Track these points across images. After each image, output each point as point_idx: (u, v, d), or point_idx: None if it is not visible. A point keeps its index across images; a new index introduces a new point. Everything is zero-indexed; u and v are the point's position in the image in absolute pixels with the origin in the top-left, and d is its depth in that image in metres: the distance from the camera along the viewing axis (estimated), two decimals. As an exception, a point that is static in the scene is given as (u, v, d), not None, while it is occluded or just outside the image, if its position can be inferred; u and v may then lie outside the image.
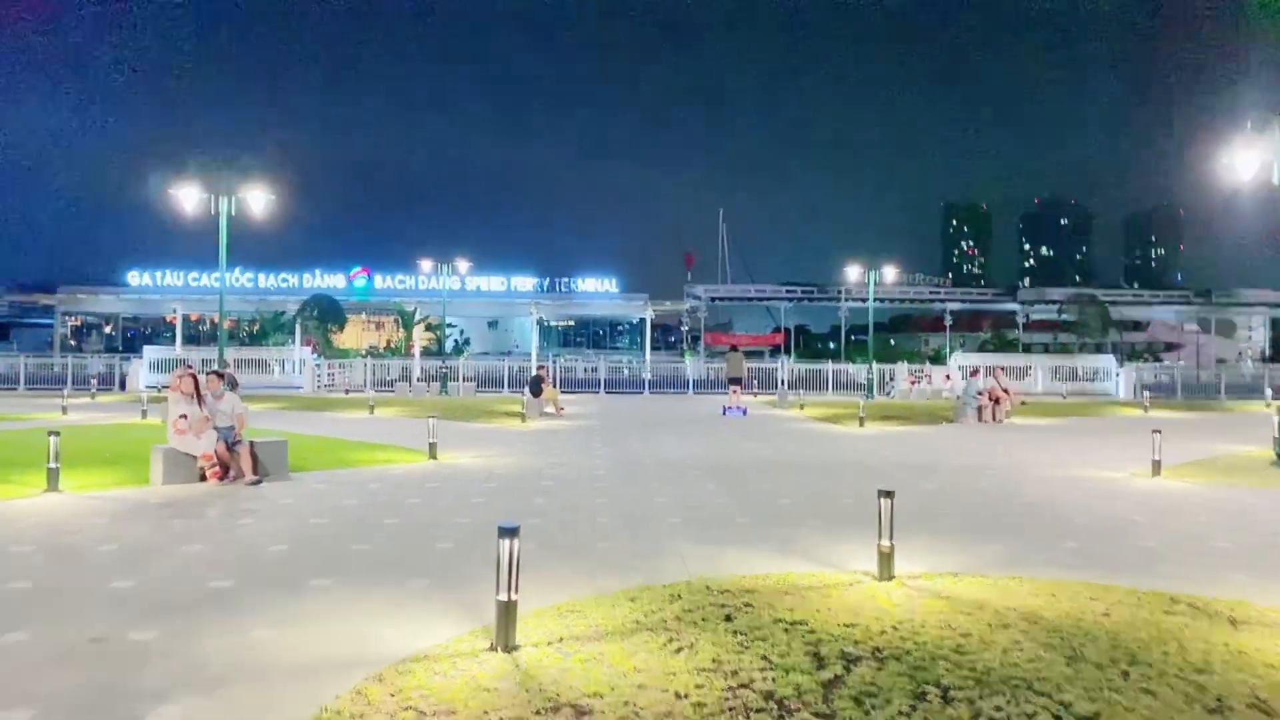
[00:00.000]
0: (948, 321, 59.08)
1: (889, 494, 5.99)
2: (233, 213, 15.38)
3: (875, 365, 30.13)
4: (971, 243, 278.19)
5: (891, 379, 30.88)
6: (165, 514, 8.27)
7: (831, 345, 78.46)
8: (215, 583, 5.83)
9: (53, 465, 9.26)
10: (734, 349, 27.69)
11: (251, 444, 10.33)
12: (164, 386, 30.29)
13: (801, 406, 23.31)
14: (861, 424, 18.11)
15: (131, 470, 10.57)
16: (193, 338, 56.18)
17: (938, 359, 46.86)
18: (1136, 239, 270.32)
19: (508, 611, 4.55)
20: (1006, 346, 47.17)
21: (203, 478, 10.03)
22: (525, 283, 48.91)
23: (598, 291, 49.18)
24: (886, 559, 5.97)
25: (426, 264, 30.58)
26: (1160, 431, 11.28)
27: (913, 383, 30.21)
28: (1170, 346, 61.35)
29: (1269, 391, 28.58)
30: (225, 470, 10.15)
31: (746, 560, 6.55)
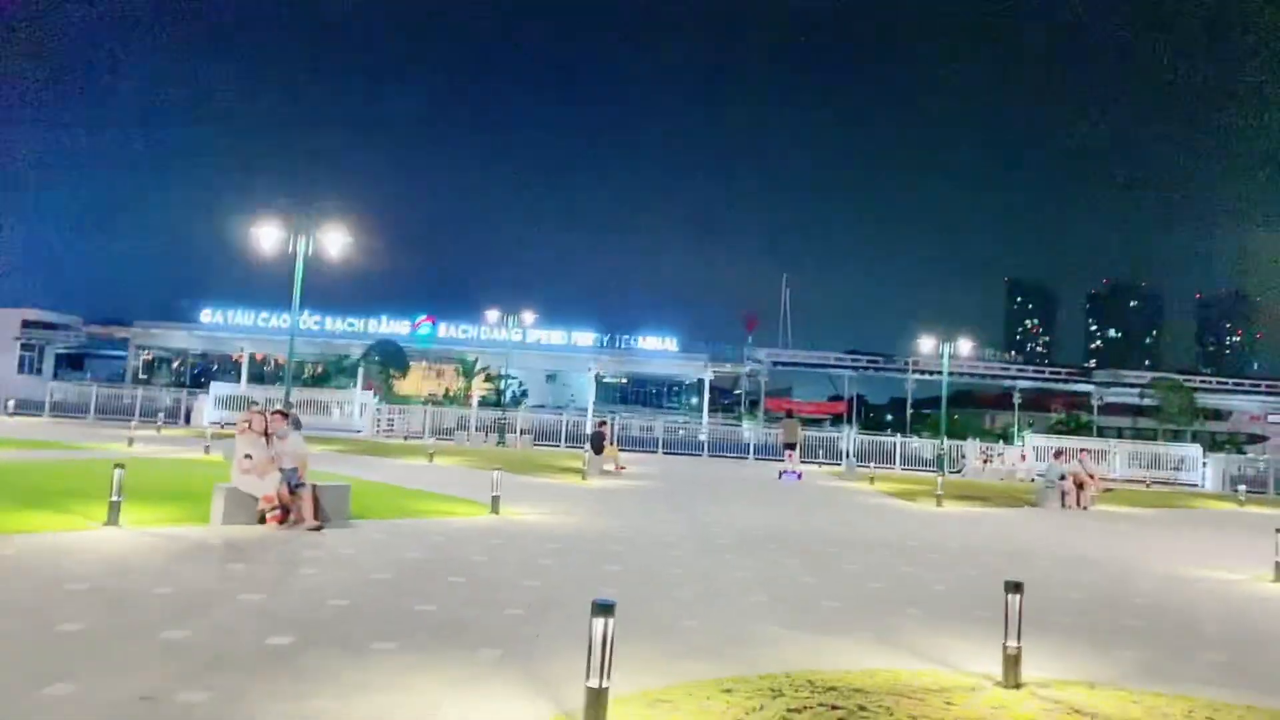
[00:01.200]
0: (1016, 400, 57.26)
1: (1017, 587, 5.33)
2: (309, 253, 15.42)
3: (947, 441, 29.04)
4: (1036, 321, 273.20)
5: (963, 456, 29.72)
6: (224, 557, 7.93)
7: (889, 417, 76.82)
8: (273, 639, 5.39)
9: (115, 499, 9.03)
10: (790, 414, 28.20)
11: (314, 488, 10.02)
12: (228, 423, 30.70)
13: (872, 480, 22.41)
14: (939, 503, 17.21)
15: (192, 507, 10.32)
16: (258, 376, 57.18)
17: (1005, 437, 45.31)
18: (1210, 325, 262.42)
19: (598, 701, 4.02)
20: (1081, 429, 45.35)
21: (262, 520, 9.71)
22: (585, 338, 48.86)
23: (657, 350, 48.86)
24: (1013, 663, 5.29)
25: (492, 314, 30.67)
26: (1284, 531, 10.28)
27: (985, 461, 29.03)
28: (1254, 438, 58.52)
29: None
30: (286, 513, 9.82)
31: (846, 651, 5.90)
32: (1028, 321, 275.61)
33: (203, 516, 9.76)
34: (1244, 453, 50.67)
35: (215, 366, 64.39)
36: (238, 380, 47.84)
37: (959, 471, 28.36)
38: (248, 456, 9.88)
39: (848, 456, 26.88)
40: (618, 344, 49.04)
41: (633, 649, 5.62)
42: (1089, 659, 6.11)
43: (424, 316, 50.23)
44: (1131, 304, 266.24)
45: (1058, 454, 19.41)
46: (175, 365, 64.65)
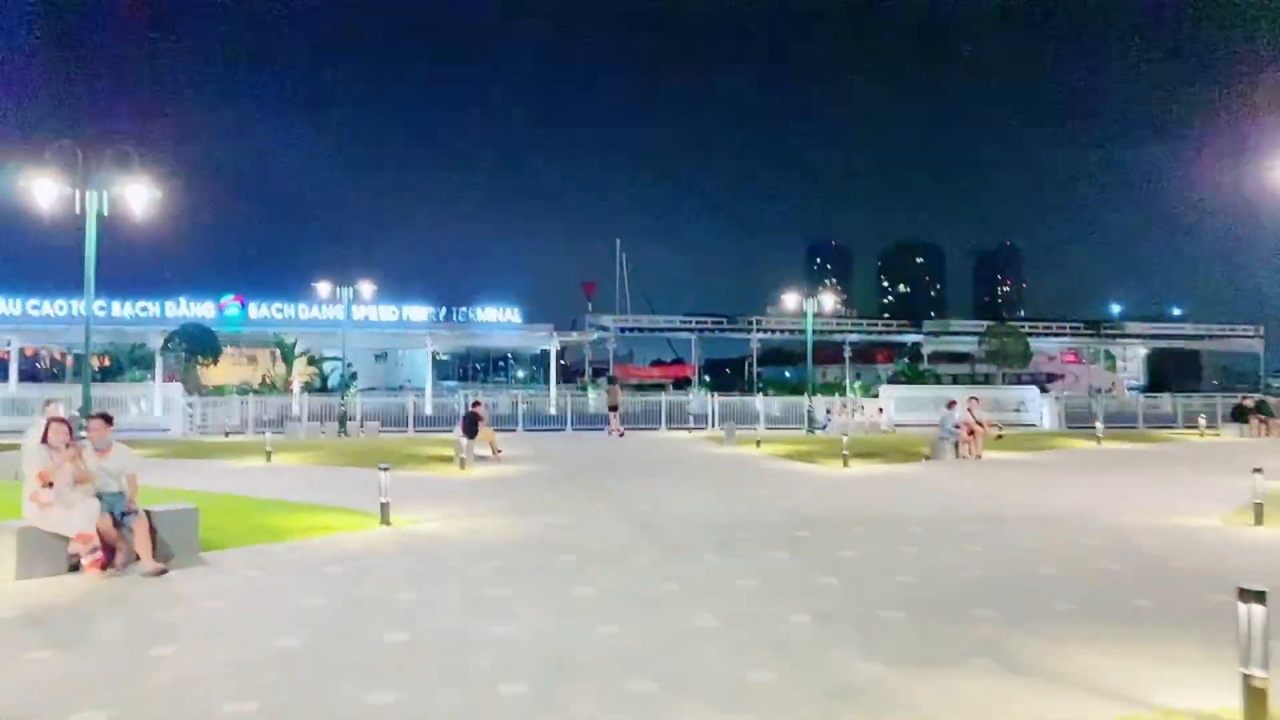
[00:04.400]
0: (847, 354, 59.07)
1: (1258, 596, 3.89)
2: (105, 212, 12.11)
3: (818, 399, 28.68)
4: (834, 280, 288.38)
5: (828, 413, 29.47)
6: (25, 639, 5.31)
7: (727, 372, 77.57)
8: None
9: None
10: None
11: (149, 515, 7.37)
12: (2, 433, 25.50)
13: (758, 444, 21.36)
14: (846, 463, 16.26)
15: (-36, 558, 7.39)
16: (30, 375, 49.59)
17: (839, 390, 46.28)
18: (985, 276, 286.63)
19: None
20: (917, 378, 47.07)
21: (76, 567, 7.00)
22: (419, 312, 45.34)
23: (499, 322, 46.16)
24: (1258, 700, 3.87)
25: (323, 286, 27.19)
26: (1261, 470, 9.78)
27: (849, 415, 28.89)
28: (1051, 377, 63.40)
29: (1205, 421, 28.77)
30: (111, 555, 7.15)
31: (979, 700, 4.32)
32: (826, 280, 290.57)
33: (-16, 571, 6.92)
34: (1046, 391, 54.73)
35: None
36: (4, 379, 40.90)
37: (824, 428, 28.06)
38: (48, 485, 7.09)
39: (729, 422, 25.92)
40: (455, 317, 45.92)
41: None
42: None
43: (232, 296, 44.81)
44: (918, 260, 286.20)
45: (951, 403, 19.04)
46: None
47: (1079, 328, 69.62)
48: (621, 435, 25.62)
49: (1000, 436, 20.79)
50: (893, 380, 44.81)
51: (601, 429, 28.57)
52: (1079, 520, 9.86)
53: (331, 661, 4.86)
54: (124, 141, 12.06)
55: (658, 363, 77.86)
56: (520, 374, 63.12)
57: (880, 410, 29.97)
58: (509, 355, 60.06)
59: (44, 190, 11.74)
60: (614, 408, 27.04)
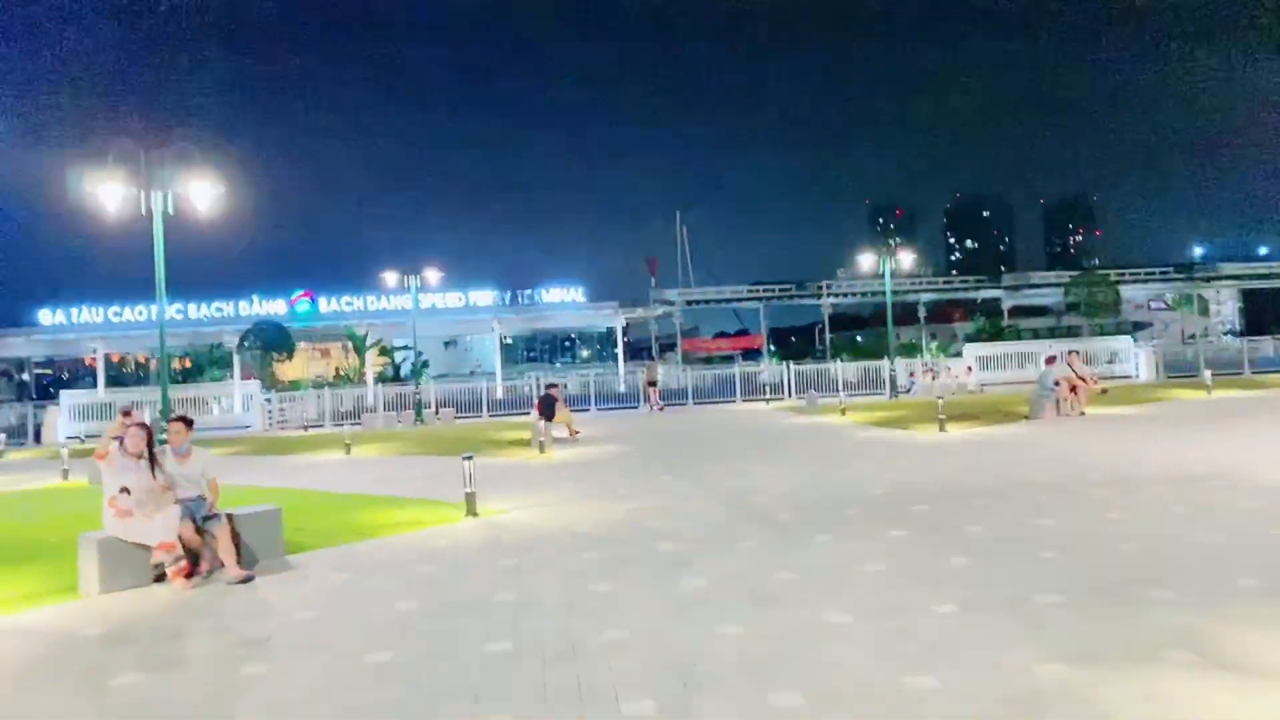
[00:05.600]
0: (922, 314, 57.09)
1: None
2: (169, 210, 11.93)
3: (897, 362, 27.65)
4: (898, 239, 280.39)
5: (911, 375, 28.40)
6: (114, 662, 4.98)
7: (793, 342, 76.05)
8: None
9: (-78, 582, 5.90)
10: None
11: (231, 519, 7.07)
12: (90, 437, 26.16)
13: (843, 411, 20.55)
14: (943, 427, 15.39)
15: (53, 570, 7.22)
16: (116, 379, 51.18)
17: (916, 351, 44.84)
18: (1056, 227, 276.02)
19: None
20: (999, 335, 45.31)
21: (161, 577, 6.73)
22: (485, 297, 45.30)
23: (564, 302, 45.85)
24: None
25: (390, 276, 27.20)
26: None
27: (932, 377, 27.79)
28: (1139, 325, 60.55)
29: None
30: (195, 563, 6.86)
31: (1193, 705, 3.62)
32: (891, 241, 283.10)
33: (69, 585, 6.70)
34: (1136, 340, 52.23)
35: (66, 374, 57.54)
36: (94, 386, 42.27)
37: (909, 391, 27.02)
38: (125, 491, 6.82)
39: (809, 390, 25.16)
40: (520, 300, 45.77)
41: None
42: None
43: (301, 292, 45.44)
44: (983, 214, 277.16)
45: (1050, 359, 17.96)
46: (24, 377, 57.44)
47: (1168, 272, 65.70)
48: (661, 410, 25.88)
49: (1105, 391, 19.56)
50: (973, 338, 43.17)
51: (682, 403, 28.15)
52: (1227, 480, 8.93)
53: (433, 678, 4.40)
54: (184, 139, 11.80)
55: (722, 334, 76.77)
56: (585, 353, 62.81)
57: (970, 369, 28.75)
58: (574, 335, 59.72)
59: (110, 194, 11.59)
60: (652, 383, 27.32)
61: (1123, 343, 31.82)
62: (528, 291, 46.52)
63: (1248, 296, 68.68)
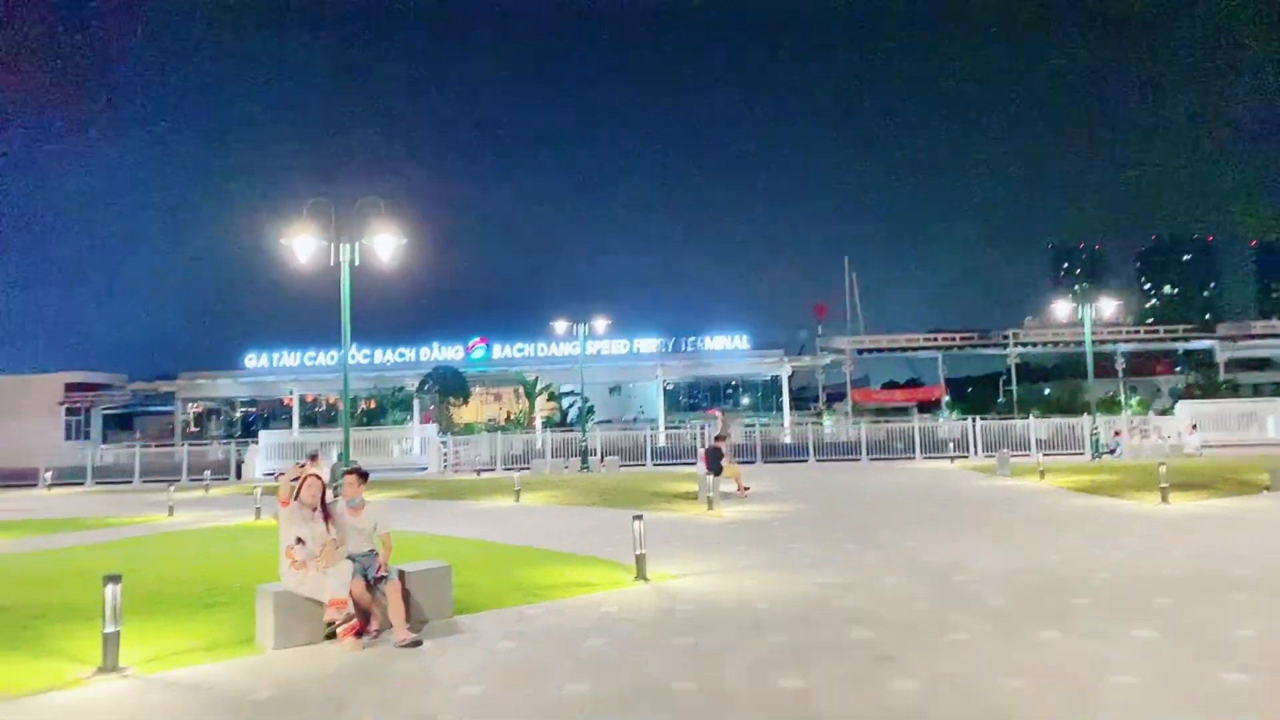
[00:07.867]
0: (1121, 367, 52.18)
1: None
2: (355, 262, 12.34)
3: (1098, 419, 25.21)
4: (1086, 285, 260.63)
5: (1116, 435, 25.80)
6: (276, 733, 4.72)
7: (970, 393, 71.76)
8: None
9: (110, 628, 5.94)
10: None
11: (402, 577, 6.85)
12: (282, 474, 27.61)
13: (1041, 474, 18.74)
14: (1165, 498, 13.57)
15: (232, 618, 7.23)
16: (309, 419, 54.92)
17: (1114, 408, 41.04)
18: (1272, 270, 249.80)
19: None
20: (1216, 390, 40.83)
21: (331, 634, 6.56)
22: (649, 344, 45.51)
23: (729, 349, 45.37)
24: None
25: (560, 324, 27.72)
26: None
27: (1140, 437, 25.12)
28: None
29: None
30: (366, 621, 6.66)
31: None
32: (1076, 287, 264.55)
33: (245, 637, 6.65)
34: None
35: (265, 413, 62.39)
36: (290, 425, 45.40)
37: (1113, 452, 24.49)
38: (300, 541, 6.74)
39: (996, 449, 23.31)
40: (684, 347, 45.65)
41: None
42: None
43: (477, 338, 47.28)
44: (1184, 258, 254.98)
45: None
46: (224, 417, 62.79)
47: None
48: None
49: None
50: (1182, 394, 39.10)
51: (855, 458, 26.78)
52: None
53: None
54: (372, 194, 12.20)
55: (893, 384, 73.63)
56: (746, 400, 61.81)
57: (1193, 428, 25.80)
58: (736, 383, 58.95)
59: (304, 246, 12.10)
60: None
61: (1374, 402, 27.72)
62: (691, 339, 46.34)
63: None
